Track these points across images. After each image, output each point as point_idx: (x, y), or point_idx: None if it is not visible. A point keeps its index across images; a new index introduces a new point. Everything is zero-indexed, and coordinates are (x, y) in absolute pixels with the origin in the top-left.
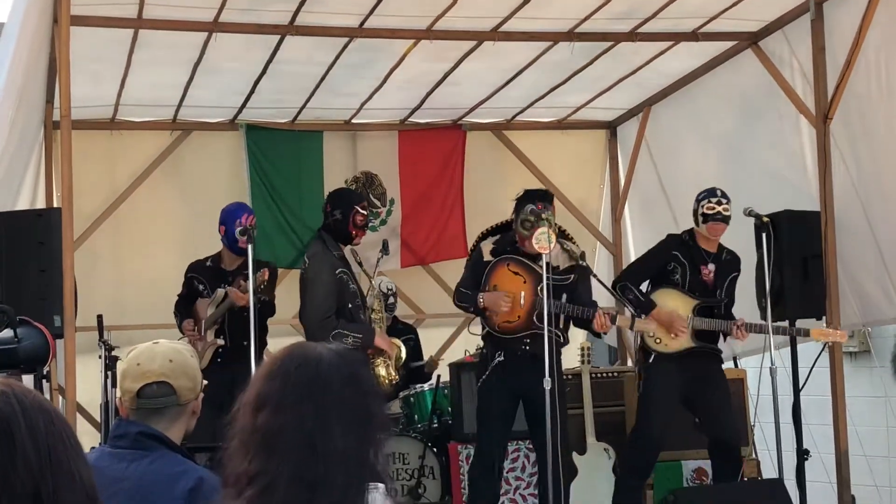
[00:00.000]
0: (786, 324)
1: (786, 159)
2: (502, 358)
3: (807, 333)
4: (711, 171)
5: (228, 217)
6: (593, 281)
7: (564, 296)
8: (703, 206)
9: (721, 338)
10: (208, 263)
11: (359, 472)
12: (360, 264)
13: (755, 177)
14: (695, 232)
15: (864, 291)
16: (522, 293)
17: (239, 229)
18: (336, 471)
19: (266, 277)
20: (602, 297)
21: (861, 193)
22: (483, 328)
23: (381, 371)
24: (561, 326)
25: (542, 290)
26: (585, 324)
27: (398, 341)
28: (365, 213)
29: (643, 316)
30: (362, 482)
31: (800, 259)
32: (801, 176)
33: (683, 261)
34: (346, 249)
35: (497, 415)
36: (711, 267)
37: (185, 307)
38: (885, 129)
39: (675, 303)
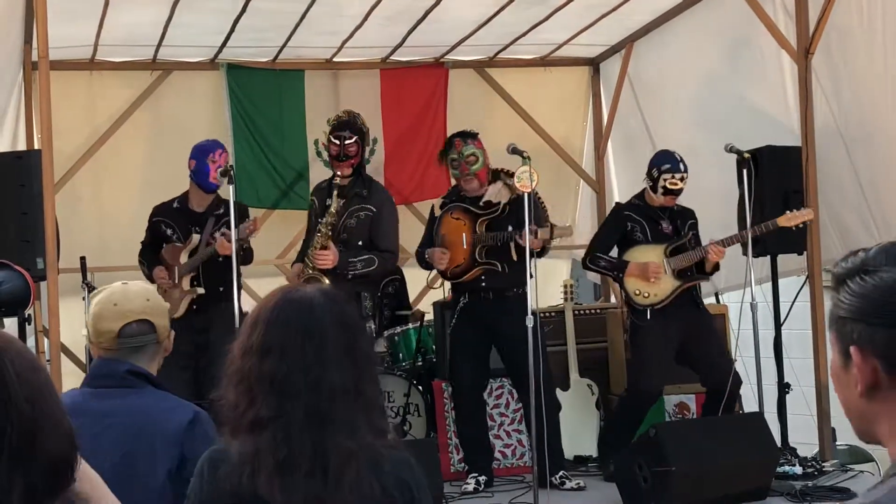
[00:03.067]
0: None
1: (767, 94)
2: (467, 300)
3: (775, 226)
4: (693, 107)
5: (200, 153)
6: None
7: (510, 227)
8: (665, 180)
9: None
10: (175, 206)
11: (360, 405)
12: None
13: (737, 112)
14: (645, 195)
15: (846, 225)
16: (463, 234)
17: (220, 169)
18: (342, 405)
19: (256, 227)
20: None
21: (842, 128)
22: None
23: None
24: (514, 258)
25: (480, 226)
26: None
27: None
28: (336, 142)
29: (621, 276)
30: (365, 415)
31: (781, 194)
32: (783, 111)
33: (639, 218)
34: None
35: (471, 357)
36: (667, 223)
37: (150, 254)
38: (866, 62)
39: (646, 255)
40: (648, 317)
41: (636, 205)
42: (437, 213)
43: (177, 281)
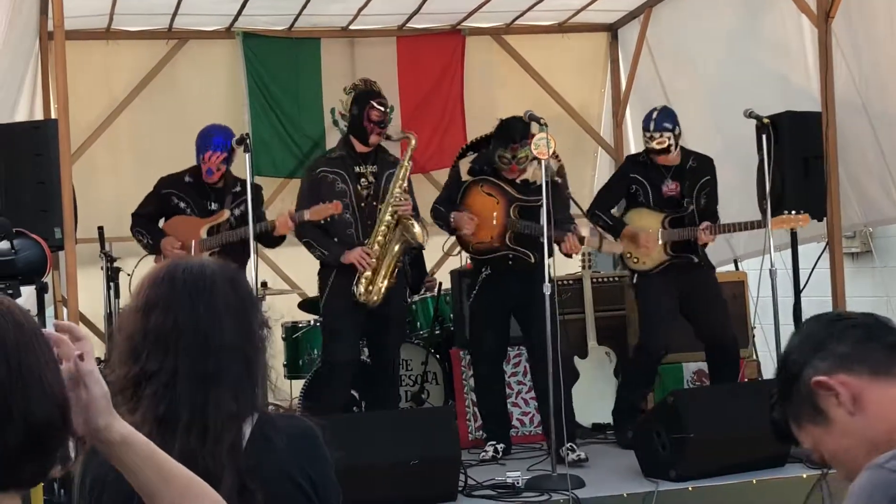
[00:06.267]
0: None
1: (787, 59)
2: (489, 271)
3: (765, 224)
4: (712, 72)
5: (197, 148)
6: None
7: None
8: (646, 143)
9: (701, 248)
10: (187, 179)
11: (247, 367)
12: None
13: (756, 77)
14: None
15: (866, 191)
16: (495, 213)
17: (235, 138)
18: (228, 365)
19: (338, 209)
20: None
21: (862, 93)
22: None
23: (359, 289)
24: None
25: (514, 211)
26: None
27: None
28: (382, 108)
29: (616, 239)
30: (251, 377)
31: (801, 160)
32: (803, 76)
33: (642, 181)
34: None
35: (491, 327)
36: (673, 184)
37: (151, 225)
38: (886, 27)
39: (646, 220)
40: (635, 280)
41: (643, 162)
42: (465, 176)
43: (195, 254)
